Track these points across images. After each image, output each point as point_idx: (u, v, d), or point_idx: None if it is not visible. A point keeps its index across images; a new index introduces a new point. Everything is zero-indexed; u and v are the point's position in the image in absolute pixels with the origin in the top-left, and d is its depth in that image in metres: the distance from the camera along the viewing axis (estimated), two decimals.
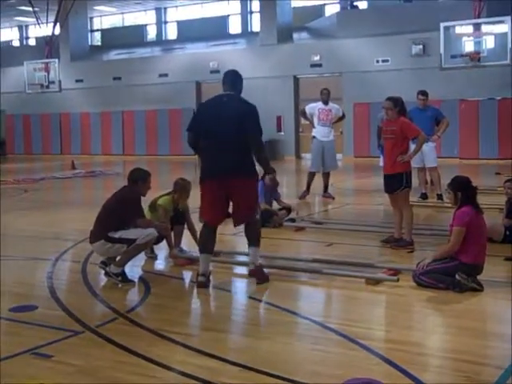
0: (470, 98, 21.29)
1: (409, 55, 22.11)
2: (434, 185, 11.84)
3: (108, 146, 29.13)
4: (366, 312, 5.32)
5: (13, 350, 4.35)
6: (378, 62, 22.90)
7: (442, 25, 17.90)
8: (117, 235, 6.13)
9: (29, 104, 29.67)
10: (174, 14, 37.08)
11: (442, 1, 25.91)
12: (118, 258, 6.22)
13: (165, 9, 37.09)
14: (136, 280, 6.30)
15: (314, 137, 12.34)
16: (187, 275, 6.62)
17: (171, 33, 37.07)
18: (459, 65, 18.06)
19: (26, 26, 41.21)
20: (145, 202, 6.70)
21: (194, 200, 7.19)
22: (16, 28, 41.60)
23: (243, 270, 6.53)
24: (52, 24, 26.11)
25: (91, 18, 37.27)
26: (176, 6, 36.55)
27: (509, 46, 17.00)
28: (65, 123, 30.40)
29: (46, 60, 25.82)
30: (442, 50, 17.81)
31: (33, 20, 29.53)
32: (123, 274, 6.14)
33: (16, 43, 41.21)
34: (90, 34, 35.18)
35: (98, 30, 39.73)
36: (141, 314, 5.33)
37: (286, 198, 10.59)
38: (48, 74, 25.38)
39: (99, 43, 38.50)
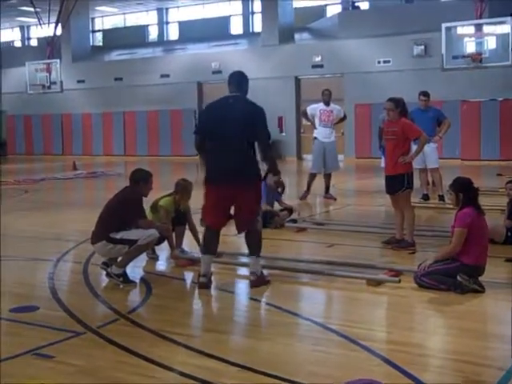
0: (471, 98, 21.27)
1: (410, 56, 22.10)
2: (435, 186, 11.83)
3: (109, 146, 29.15)
4: (367, 313, 5.32)
5: (14, 351, 4.35)
6: (379, 62, 22.88)
7: (443, 25, 17.90)
8: (118, 236, 6.13)
9: (30, 105, 29.70)
10: (176, 15, 37.09)
11: (444, 1, 25.93)
12: (119, 259, 6.22)
13: (166, 9, 37.10)
14: (137, 281, 6.30)
15: (315, 138, 12.33)
16: (188, 276, 6.62)
17: (173, 33, 37.08)
18: (461, 66, 18.05)
19: (28, 27, 41.24)
20: (146, 203, 6.70)
21: (196, 201, 7.19)
22: (18, 28, 41.61)
23: (245, 271, 6.52)
24: (54, 24, 26.14)
25: (93, 19, 37.30)
26: (178, 7, 36.56)
27: (511, 46, 17.00)
28: (66, 124, 30.42)
29: (48, 61, 25.86)
30: (443, 51, 17.81)
31: (34, 20, 29.59)
32: (125, 274, 6.15)
33: (18, 44, 41.22)
34: (91, 35, 35.23)
35: (99, 31, 39.76)
36: (142, 314, 5.33)
37: (288, 199, 10.59)
38: (50, 74, 25.42)
39: (101, 44, 38.52)
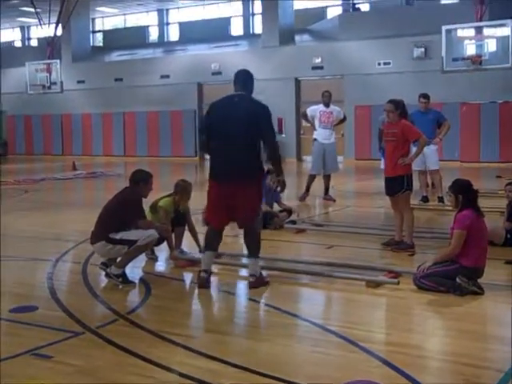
0: (471, 101, 21.28)
1: (410, 58, 22.12)
2: (435, 187, 11.84)
3: (109, 147, 29.16)
4: (366, 314, 5.32)
5: (13, 351, 4.35)
6: (379, 64, 22.90)
7: (443, 28, 17.92)
8: (118, 236, 6.13)
9: (30, 105, 29.70)
10: (176, 16, 37.11)
11: (444, 4, 25.96)
12: (118, 260, 6.22)
13: (167, 10, 37.13)
14: (136, 281, 6.30)
15: (315, 139, 12.34)
16: (188, 277, 6.61)
17: (173, 34, 37.10)
18: (461, 68, 18.07)
19: (28, 27, 41.25)
20: (146, 204, 6.70)
21: (195, 201, 7.20)
22: (18, 29, 41.64)
23: (244, 272, 6.52)
24: (54, 25, 26.16)
25: (93, 19, 37.32)
26: (178, 8, 36.58)
27: (510, 49, 17.03)
28: (66, 124, 30.43)
29: (48, 61, 25.87)
30: (443, 53, 17.84)
31: (35, 21, 29.59)
32: (124, 275, 6.15)
33: (18, 44, 41.24)
34: (91, 35, 35.24)
35: (99, 31, 39.78)
36: (141, 315, 5.33)
37: (287, 200, 10.59)
38: (50, 74, 25.42)
39: (101, 44, 38.53)
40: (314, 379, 3.87)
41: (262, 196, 6.21)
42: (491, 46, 17.90)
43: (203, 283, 5.98)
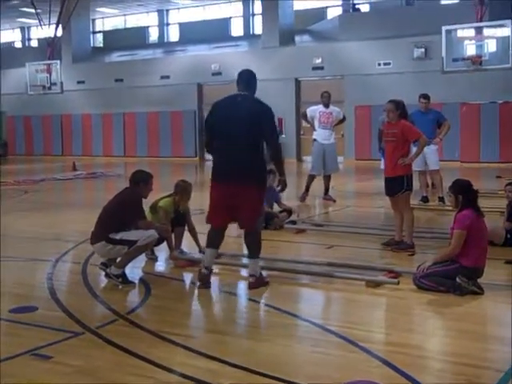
0: (471, 101, 21.28)
1: (410, 58, 22.12)
2: (435, 188, 11.84)
3: (109, 147, 29.16)
4: (366, 314, 5.32)
5: (13, 351, 4.35)
6: (379, 65, 22.90)
7: (443, 28, 17.90)
8: (118, 236, 6.13)
9: (30, 105, 29.70)
10: (176, 16, 37.11)
11: (445, 4, 25.95)
12: (118, 260, 6.22)
13: (167, 11, 37.13)
14: (136, 281, 6.30)
15: (314, 139, 12.34)
16: (187, 277, 6.62)
17: (173, 35, 37.10)
18: (461, 68, 18.05)
19: (28, 28, 41.26)
20: (146, 204, 6.70)
21: (195, 202, 7.20)
22: (18, 29, 41.63)
23: (244, 272, 6.52)
24: (54, 25, 26.13)
25: (93, 20, 37.31)
26: (178, 8, 36.58)
27: (511, 49, 17.00)
28: (66, 125, 30.43)
29: (48, 61, 25.83)
30: (443, 54, 17.82)
31: (35, 21, 29.58)
32: (123, 275, 6.15)
33: (18, 44, 41.23)
34: (92, 36, 35.24)
35: (100, 32, 39.78)
36: (141, 315, 5.33)
37: (287, 200, 10.59)
38: (50, 75, 25.39)
39: (101, 45, 38.52)
40: (313, 379, 3.87)
41: (264, 197, 6.20)
42: (491, 46, 17.88)
43: (204, 279, 5.98)
